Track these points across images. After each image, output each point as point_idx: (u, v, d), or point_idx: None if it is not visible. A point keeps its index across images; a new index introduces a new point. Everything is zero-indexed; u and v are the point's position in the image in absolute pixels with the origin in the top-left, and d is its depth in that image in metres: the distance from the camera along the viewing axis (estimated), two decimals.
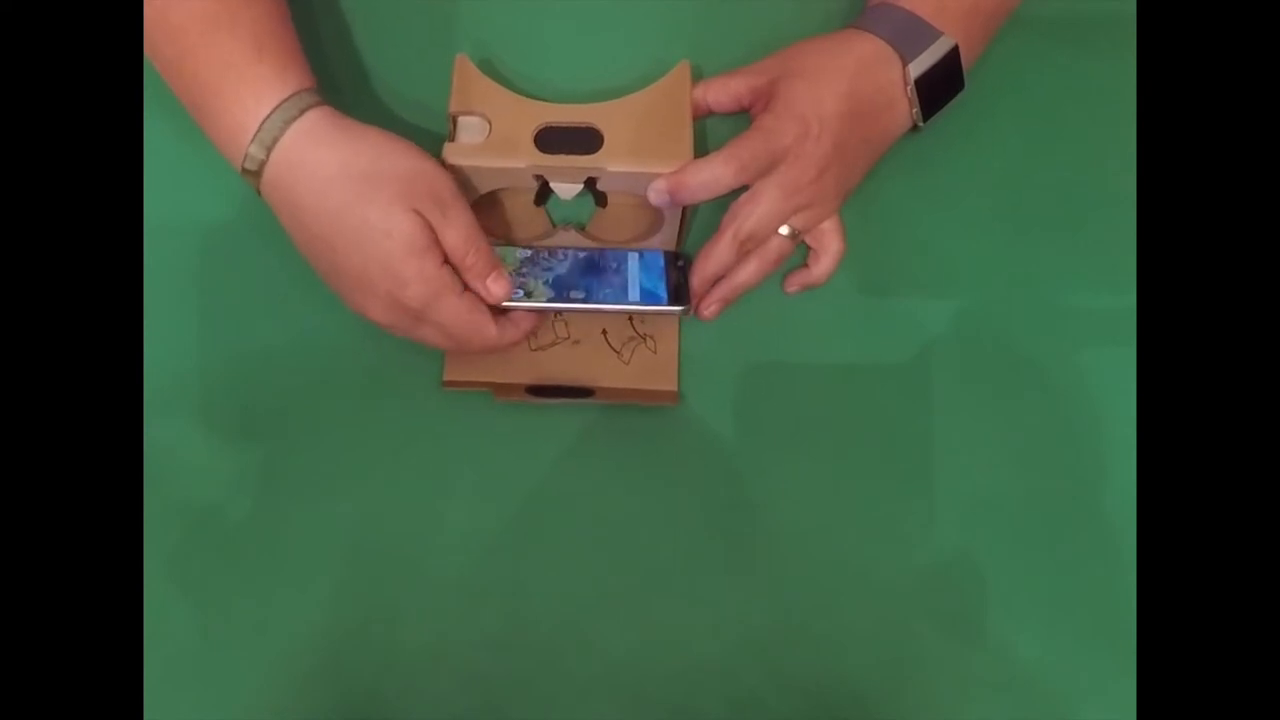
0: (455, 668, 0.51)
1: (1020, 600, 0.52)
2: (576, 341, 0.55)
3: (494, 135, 0.51)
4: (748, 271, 0.53)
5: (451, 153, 0.50)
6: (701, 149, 0.51)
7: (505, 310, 0.51)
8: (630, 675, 0.51)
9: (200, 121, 0.49)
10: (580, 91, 0.54)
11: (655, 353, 0.55)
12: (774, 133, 0.49)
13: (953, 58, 0.52)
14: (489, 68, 0.56)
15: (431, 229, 0.47)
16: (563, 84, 0.56)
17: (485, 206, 0.54)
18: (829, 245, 0.53)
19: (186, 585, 0.52)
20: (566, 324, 0.55)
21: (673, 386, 0.54)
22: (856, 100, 0.50)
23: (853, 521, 0.53)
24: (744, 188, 0.51)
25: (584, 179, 0.51)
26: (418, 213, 0.46)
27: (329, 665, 0.51)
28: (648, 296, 0.51)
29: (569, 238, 0.55)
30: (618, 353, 0.55)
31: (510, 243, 0.55)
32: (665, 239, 0.54)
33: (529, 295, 0.51)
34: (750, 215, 0.51)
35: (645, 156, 0.50)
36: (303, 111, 0.47)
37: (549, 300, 0.51)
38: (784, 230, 0.52)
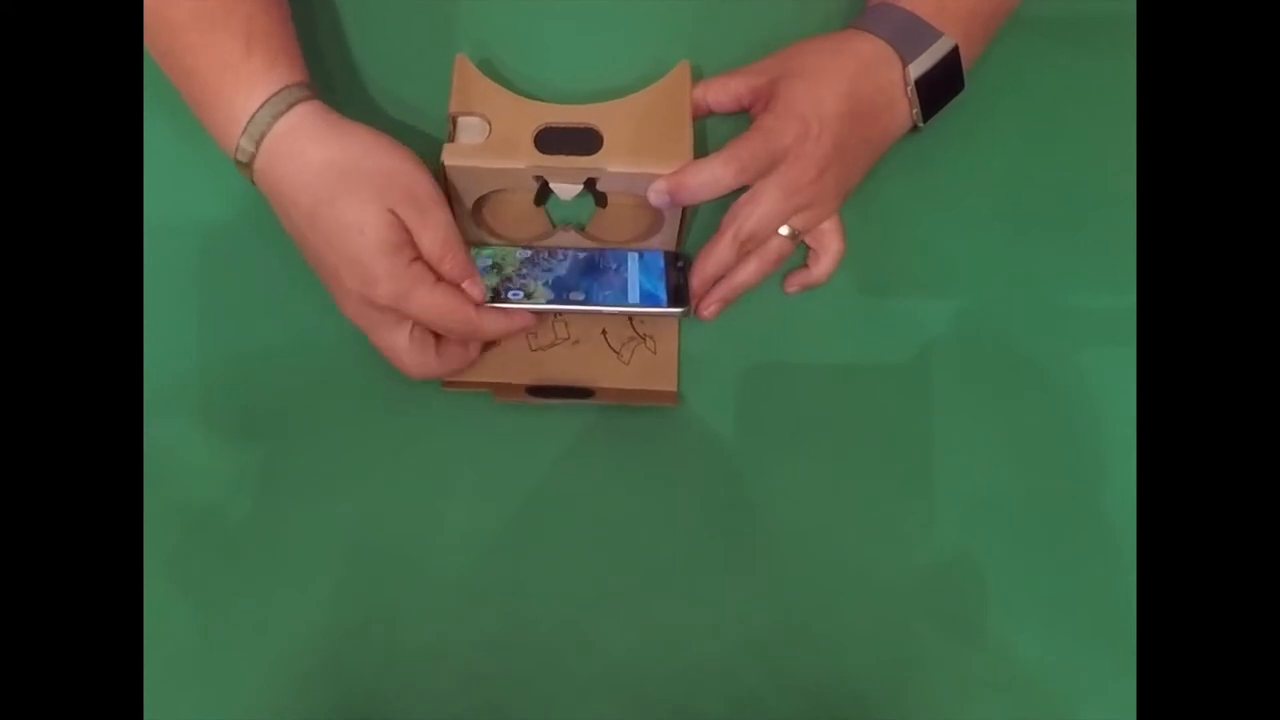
0: (455, 668, 0.51)
1: (1020, 600, 0.52)
2: (576, 342, 0.55)
3: (494, 136, 0.51)
4: (748, 272, 0.53)
5: (451, 153, 0.50)
6: (701, 149, 0.51)
7: (505, 312, 0.50)
8: (630, 675, 0.51)
9: (198, 115, 0.50)
10: (580, 92, 0.54)
11: (655, 353, 0.55)
12: (774, 133, 0.49)
13: (953, 58, 0.52)
14: (489, 68, 0.56)
15: (406, 229, 0.47)
16: (563, 84, 0.56)
17: (485, 207, 0.54)
18: (829, 245, 0.53)
19: (186, 585, 0.52)
20: (566, 324, 0.55)
21: (672, 387, 0.54)
22: (856, 100, 0.50)
23: (853, 521, 0.53)
24: (744, 188, 0.51)
25: (584, 179, 0.51)
26: (393, 212, 0.46)
27: (329, 665, 0.51)
28: (647, 298, 0.51)
29: (569, 238, 0.55)
30: (617, 353, 0.55)
31: (510, 243, 0.55)
32: (665, 239, 0.54)
33: (529, 296, 0.51)
34: (750, 215, 0.51)
35: (645, 157, 0.50)
36: (291, 106, 0.48)
37: (548, 302, 0.51)
38: (784, 230, 0.52)
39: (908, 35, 0.51)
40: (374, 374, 0.53)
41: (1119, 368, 0.54)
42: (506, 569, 0.52)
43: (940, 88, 0.53)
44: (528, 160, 0.50)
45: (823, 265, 0.54)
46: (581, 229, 0.55)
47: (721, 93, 0.53)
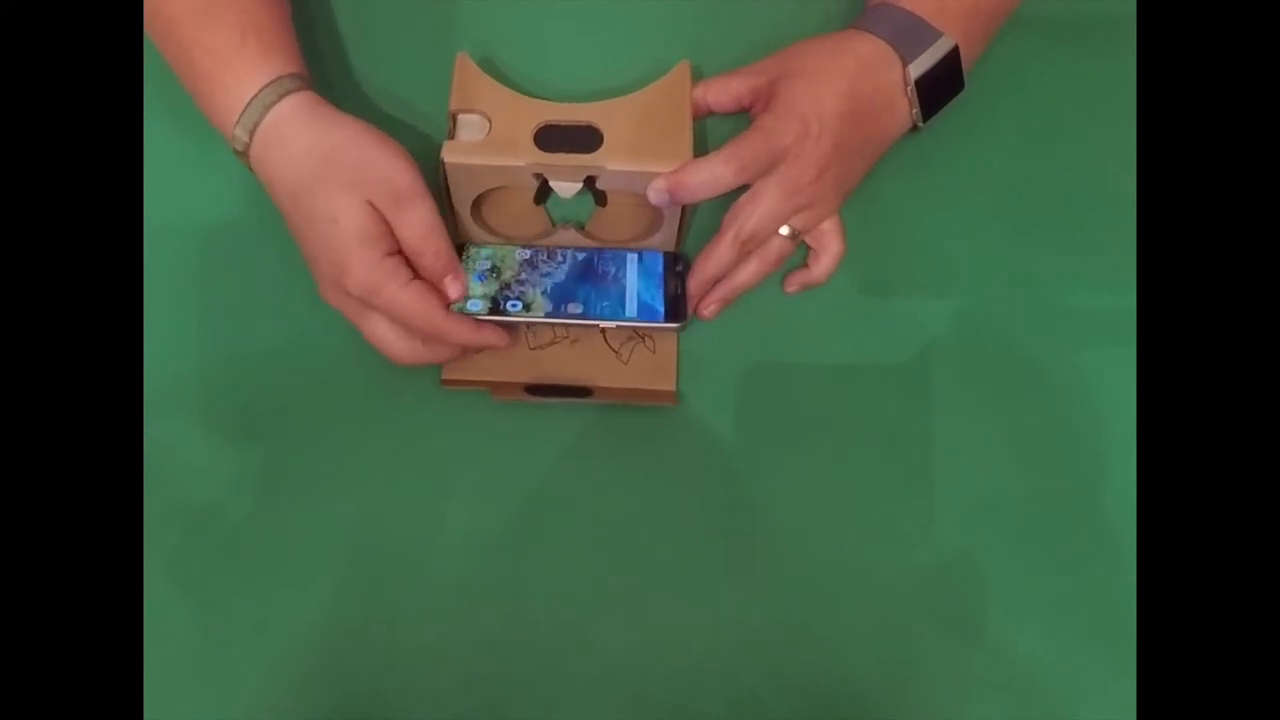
0: (456, 668, 0.51)
1: (1020, 600, 0.52)
2: (575, 340, 0.55)
3: (494, 133, 0.51)
4: (748, 272, 0.53)
5: (451, 150, 0.50)
6: (701, 149, 0.51)
7: (505, 325, 0.51)
8: (630, 675, 0.51)
9: (199, 106, 0.50)
10: (580, 91, 0.54)
11: (654, 353, 0.55)
12: (774, 133, 0.49)
13: (953, 58, 0.52)
14: (489, 67, 0.56)
15: (385, 221, 0.47)
16: (563, 84, 0.56)
17: (485, 205, 0.54)
18: (829, 245, 0.53)
19: (186, 585, 0.52)
20: None
21: (671, 386, 0.54)
22: (856, 100, 0.50)
23: (853, 521, 0.53)
24: (743, 188, 0.51)
25: (583, 178, 0.51)
26: (370, 203, 0.46)
27: (329, 665, 0.51)
28: (645, 311, 0.51)
29: (568, 236, 0.55)
30: (616, 352, 0.55)
31: (510, 241, 0.55)
32: (665, 238, 0.54)
33: (527, 308, 0.51)
34: (751, 215, 0.51)
35: (645, 156, 0.50)
36: (282, 96, 0.48)
37: (546, 314, 0.51)
38: (784, 230, 0.52)
39: (908, 35, 0.51)
40: (374, 374, 0.53)
41: (1119, 368, 0.54)
42: (507, 569, 0.52)
43: (940, 88, 0.53)
44: (528, 158, 0.50)
45: (823, 265, 0.54)
46: (581, 227, 0.55)
47: (721, 92, 0.53)
